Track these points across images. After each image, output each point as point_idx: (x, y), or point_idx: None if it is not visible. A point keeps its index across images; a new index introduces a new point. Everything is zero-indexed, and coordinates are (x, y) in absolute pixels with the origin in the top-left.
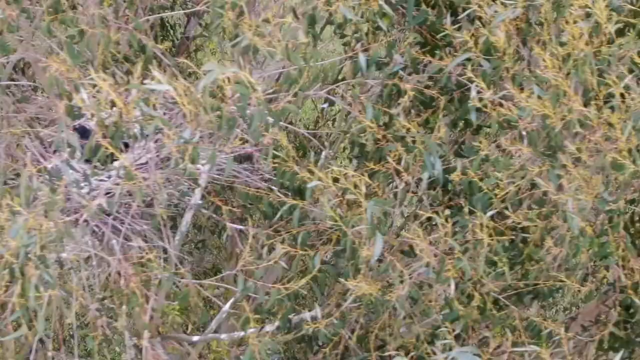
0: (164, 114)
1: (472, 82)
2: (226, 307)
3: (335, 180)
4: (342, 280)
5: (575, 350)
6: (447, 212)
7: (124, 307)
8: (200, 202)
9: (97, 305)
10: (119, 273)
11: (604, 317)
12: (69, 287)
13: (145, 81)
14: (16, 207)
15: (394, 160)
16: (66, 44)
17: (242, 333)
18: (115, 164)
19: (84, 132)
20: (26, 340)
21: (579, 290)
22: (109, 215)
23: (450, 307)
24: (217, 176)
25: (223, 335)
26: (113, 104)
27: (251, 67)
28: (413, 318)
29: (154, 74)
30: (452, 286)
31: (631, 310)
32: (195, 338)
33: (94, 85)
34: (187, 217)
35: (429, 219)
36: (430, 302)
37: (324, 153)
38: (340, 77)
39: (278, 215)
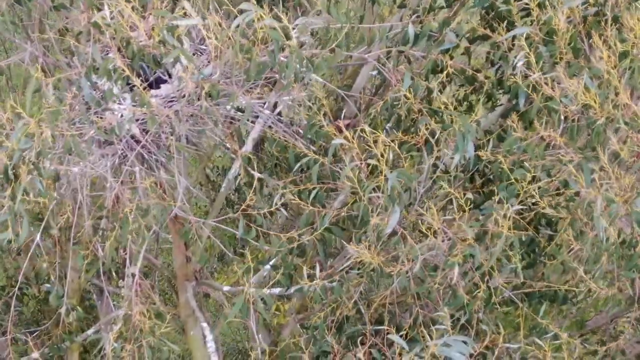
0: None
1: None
2: (270, 263)
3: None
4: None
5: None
6: (469, 195)
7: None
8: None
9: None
10: (117, 197)
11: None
12: (62, 200)
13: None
14: (19, 110)
15: (426, 136)
16: None
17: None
18: (153, 92)
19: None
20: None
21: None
22: (137, 142)
23: (454, 293)
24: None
25: (252, 289)
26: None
27: (294, 16)
28: (415, 299)
29: (184, 5)
30: (456, 271)
31: None
32: (226, 288)
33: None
34: (236, 165)
35: (451, 201)
36: (436, 285)
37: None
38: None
39: (297, 167)
